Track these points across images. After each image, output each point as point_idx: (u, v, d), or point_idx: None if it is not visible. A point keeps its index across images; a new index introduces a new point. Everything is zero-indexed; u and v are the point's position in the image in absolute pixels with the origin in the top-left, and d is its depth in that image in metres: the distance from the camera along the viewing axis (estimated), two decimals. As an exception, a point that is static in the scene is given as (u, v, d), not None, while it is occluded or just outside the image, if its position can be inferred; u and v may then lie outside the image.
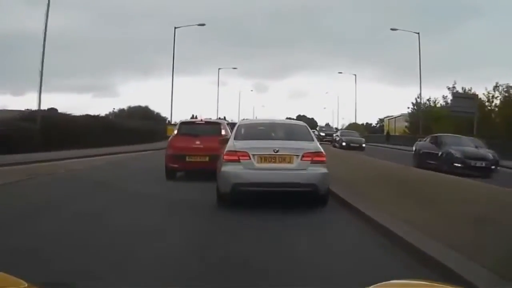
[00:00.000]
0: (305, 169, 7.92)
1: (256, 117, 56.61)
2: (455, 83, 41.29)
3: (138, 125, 33.70)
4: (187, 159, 11.83)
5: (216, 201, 8.26)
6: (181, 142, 12.27)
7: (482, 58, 79.93)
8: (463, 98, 30.50)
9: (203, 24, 34.75)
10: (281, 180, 7.82)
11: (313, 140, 8.68)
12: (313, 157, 8.01)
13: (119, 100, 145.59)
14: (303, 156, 7.94)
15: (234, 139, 8.55)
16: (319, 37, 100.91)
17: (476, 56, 79.87)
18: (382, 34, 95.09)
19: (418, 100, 47.61)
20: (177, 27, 34.13)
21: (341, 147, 32.77)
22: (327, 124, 72.61)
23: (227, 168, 7.90)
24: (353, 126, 61.10)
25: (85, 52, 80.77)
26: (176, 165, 12.03)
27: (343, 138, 34.79)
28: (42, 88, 21.11)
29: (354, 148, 31.62)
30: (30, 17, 77.78)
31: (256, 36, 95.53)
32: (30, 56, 74.54)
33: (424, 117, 40.60)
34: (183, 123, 13.72)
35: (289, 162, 7.92)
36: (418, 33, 36.59)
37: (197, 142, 12.00)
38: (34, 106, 22.70)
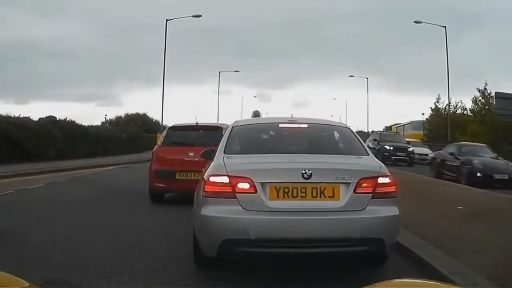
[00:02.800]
0: (361, 210, 4.12)
1: None
2: (486, 84, 37.33)
3: (111, 132, 27.57)
4: (177, 176, 8.99)
5: (194, 262, 4.59)
6: (169, 153, 9.51)
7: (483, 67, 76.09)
8: (509, 100, 25.33)
9: (198, 16, 31.82)
10: (316, 234, 4.04)
11: (367, 154, 4.80)
12: (376, 185, 4.20)
13: (122, 109, 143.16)
14: (358, 185, 4.13)
15: (225, 152, 4.66)
16: (322, 47, 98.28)
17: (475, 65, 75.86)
18: (384, 43, 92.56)
19: (438, 105, 43.83)
20: (169, 19, 30.90)
21: (472, 179, 14.58)
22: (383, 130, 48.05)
23: (210, 211, 4.09)
24: (359, 134, 57.21)
25: (90, 61, 78.88)
26: (163, 185, 9.22)
27: (476, 161, 15.59)
28: (46, 96, 17.04)
29: (496, 184, 14.53)
30: (33, 27, 75.85)
31: (259, 47, 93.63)
32: (33, 65, 72.30)
33: (444, 125, 36.71)
34: (172, 129, 10.39)
35: (332, 197, 4.11)
36: (445, 27, 32.63)
37: (191, 154, 8.92)
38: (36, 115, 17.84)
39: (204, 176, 4.32)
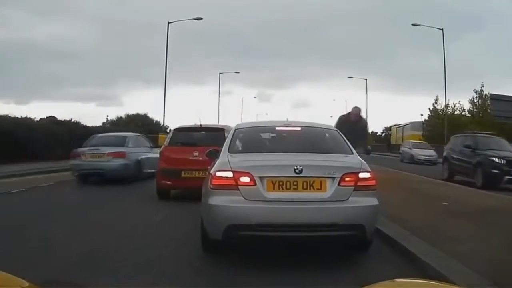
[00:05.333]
0: (345, 200, 4.79)
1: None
2: (482, 86, 37.96)
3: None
4: (182, 174, 9.61)
5: (201, 245, 5.31)
6: (175, 153, 10.09)
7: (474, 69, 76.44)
8: (504, 101, 24.95)
9: (200, 18, 32.26)
10: (306, 220, 4.70)
11: (351, 153, 5.51)
12: (358, 180, 4.87)
13: (122, 109, 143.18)
14: (341, 179, 4.80)
15: (229, 151, 5.40)
16: (322, 48, 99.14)
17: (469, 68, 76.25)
18: (383, 45, 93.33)
19: (436, 106, 44.39)
20: (171, 22, 31.31)
21: None
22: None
23: (217, 200, 4.77)
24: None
25: (90, 61, 79.54)
26: (169, 182, 9.87)
27: None
28: (46, 96, 17.13)
29: None
30: (34, 27, 76.47)
31: (259, 48, 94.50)
32: (33, 65, 72.67)
33: (443, 125, 37.23)
34: (178, 130, 11.06)
35: (320, 189, 4.78)
36: (442, 29, 33.35)
37: (195, 154, 9.54)
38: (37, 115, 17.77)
39: (211, 172, 5.03)
